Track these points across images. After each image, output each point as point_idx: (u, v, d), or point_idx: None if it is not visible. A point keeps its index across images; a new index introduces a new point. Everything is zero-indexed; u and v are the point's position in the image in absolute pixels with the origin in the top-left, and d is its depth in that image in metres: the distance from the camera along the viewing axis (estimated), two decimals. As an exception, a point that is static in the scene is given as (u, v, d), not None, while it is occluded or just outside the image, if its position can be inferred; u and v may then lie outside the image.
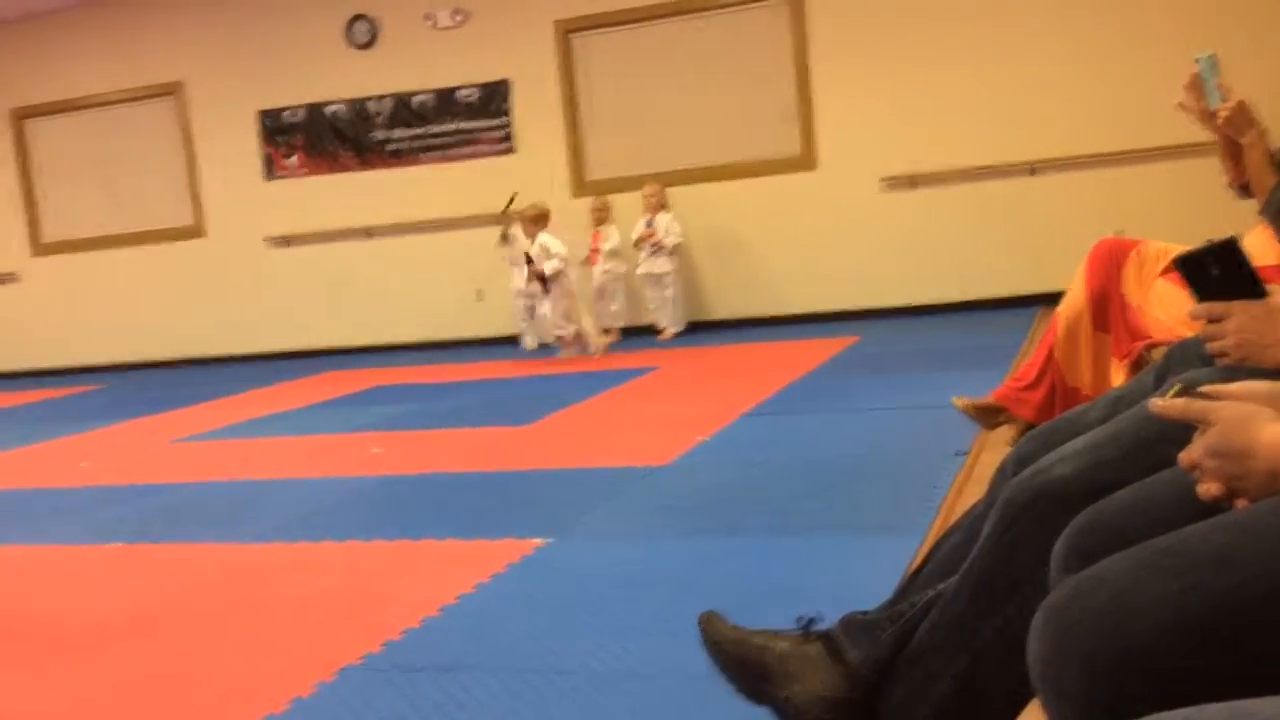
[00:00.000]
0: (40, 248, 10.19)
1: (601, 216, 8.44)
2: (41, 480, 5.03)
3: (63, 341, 10.16)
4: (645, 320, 8.50)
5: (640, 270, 8.39)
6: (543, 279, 7.41)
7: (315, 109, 9.29)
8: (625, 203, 8.46)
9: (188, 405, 7.14)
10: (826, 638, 1.71)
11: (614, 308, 8.45)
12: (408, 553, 3.27)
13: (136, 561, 3.49)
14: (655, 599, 2.66)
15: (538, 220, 7.56)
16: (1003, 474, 1.72)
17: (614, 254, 8.40)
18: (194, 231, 9.73)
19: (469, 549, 3.22)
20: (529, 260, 7.47)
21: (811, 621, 1.76)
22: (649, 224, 8.28)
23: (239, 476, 4.67)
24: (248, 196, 9.54)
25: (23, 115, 10.04)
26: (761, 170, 8.42)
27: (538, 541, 3.19)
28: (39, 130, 10.08)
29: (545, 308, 7.52)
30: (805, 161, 8.35)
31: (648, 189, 8.29)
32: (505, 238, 8.33)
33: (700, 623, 1.80)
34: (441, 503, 3.88)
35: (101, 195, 9.99)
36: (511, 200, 7.90)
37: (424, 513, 3.75)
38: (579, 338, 7.52)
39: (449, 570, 3.04)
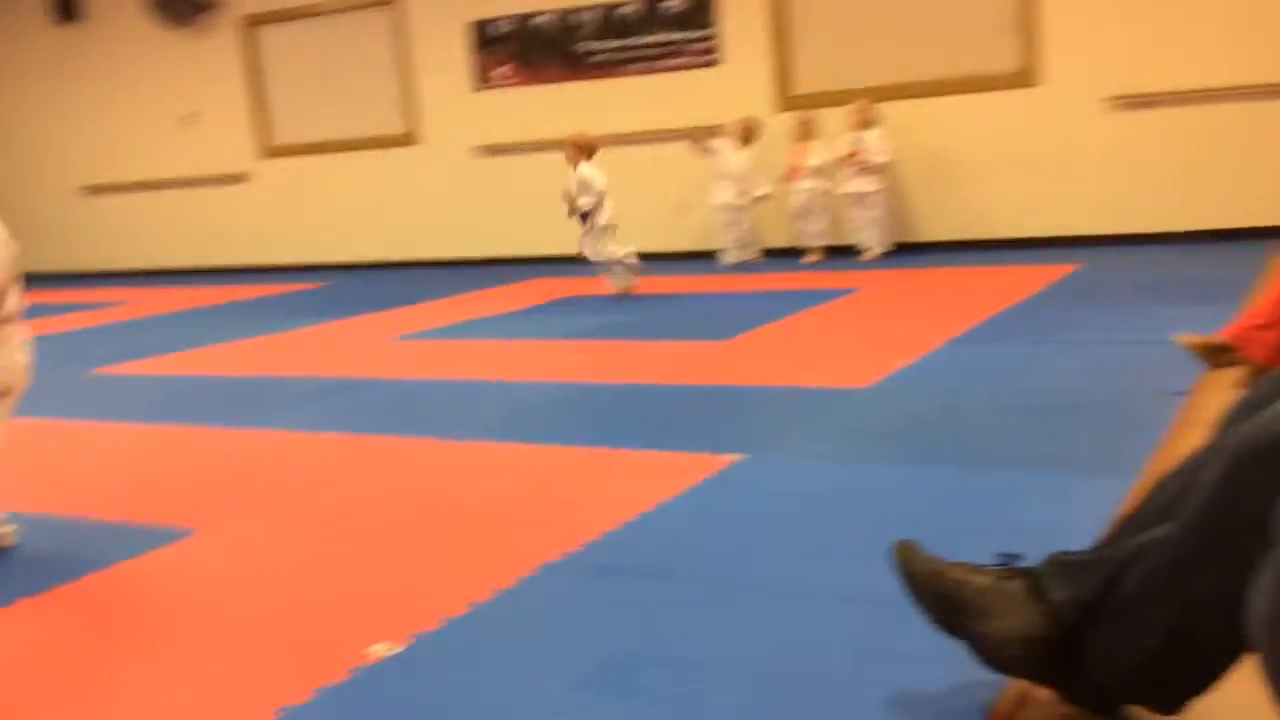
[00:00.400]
0: (268, 150, 10.75)
1: (806, 131, 8.29)
2: (269, 369, 5.38)
3: (285, 240, 10.75)
4: (848, 240, 8.35)
5: (844, 189, 8.23)
6: (583, 215, 7.25)
7: (524, 20, 9.41)
8: (831, 118, 8.28)
9: (404, 305, 7.47)
10: (1029, 575, 1.68)
11: (816, 227, 8.33)
12: (605, 460, 3.36)
13: (354, 451, 3.72)
14: (850, 522, 2.67)
15: (581, 149, 7.36)
16: (1230, 419, 1.64)
17: (818, 171, 8.26)
18: (408, 139, 10.07)
19: (665, 460, 3.29)
20: (571, 202, 7.29)
21: (1013, 558, 1.73)
22: (857, 140, 8.09)
23: (451, 376, 4.88)
24: (458, 106, 9.79)
25: (253, 22, 10.54)
26: (978, 86, 8.06)
27: (733, 457, 3.23)
28: (268, 37, 10.57)
29: (586, 244, 7.28)
30: (1026, 77, 7.95)
31: (856, 104, 8.09)
32: (703, 151, 8.31)
33: (895, 550, 1.80)
34: (639, 413, 3.96)
35: (324, 101, 10.44)
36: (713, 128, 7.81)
37: (622, 422, 3.85)
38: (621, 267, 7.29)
39: (645, 479, 3.12)
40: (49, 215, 11.72)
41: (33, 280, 10.48)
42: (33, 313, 7.03)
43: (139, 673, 2.16)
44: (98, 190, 11.44)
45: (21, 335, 2.85)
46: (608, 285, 7.25)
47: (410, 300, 7.72)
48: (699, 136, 8.34)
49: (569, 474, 3.27)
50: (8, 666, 2.26)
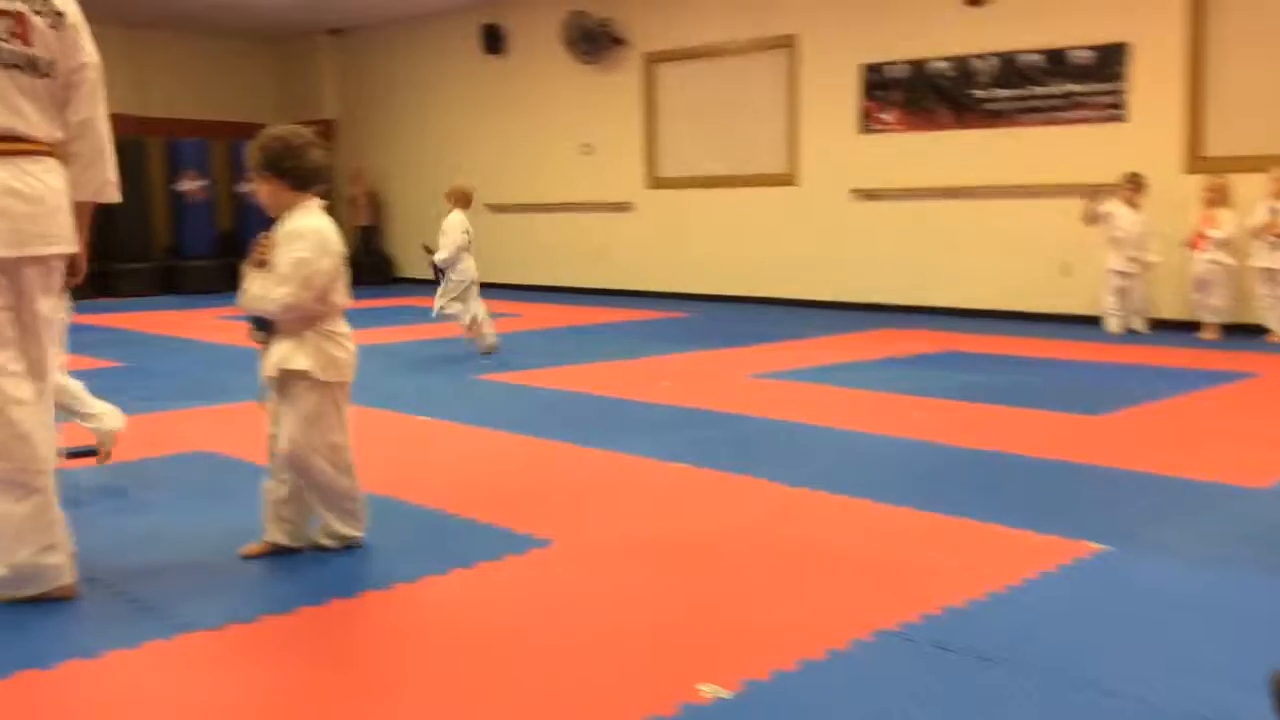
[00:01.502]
0: (654, 181, 11.25)
1: (1215, 198, 7.62)
2: (626, 393, 5.60)
3: (661, 268, 11.19)
4: (1252, 319, 7.59)
5: (1255, 263, 7.48)
6: (437, 269, 6.95)
7: (918, 65, 9.28)
8: (1244, 185, 7.56)
9: (762, 343, 7.56)
10: None
11: (1216, 301, 7.63)
12: (955, 529, 3.22)
13: (700, 483, 3.79)
14: (1221, 637, 2.41)
15: (453, 198, 7.21)
16: None
17: (1224, 243, 7.57)
18: (787, 179, 10.20)
19: (1019, 539, 3.11)
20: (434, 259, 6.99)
21: None
22: (1273, 211, 7.34)
23: (800, 419, 4.87)
24: (840, 148, 9.81)
25: (655, 60, 11.08)
26: None
27: (1096, 546, 3.00)
28: (666, 74, 11.07)
29: None
30: None
31: (1276, 171, 7.34)
32: (1095, 216, 7.86)
33: (1275, 680, 1.60)
34: (995, 484, 3.77)
35: (710, 138, 10.79)
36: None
37: (976, 491, 3.68)
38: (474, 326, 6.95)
39: (996, 557, 2.96)
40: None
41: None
42: (430, 318, 7.72)
43: (475, 673, 2.29)
44: (500, 208, 12.43)
45: (344, 329, 3.05)
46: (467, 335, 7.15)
47: (769, 338, 7.79)
48: (1092, 200, 7.88)
49: (913, 538, 3.16)
50: (376, 645, 2.48)
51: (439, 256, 7.04)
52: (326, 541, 3.07)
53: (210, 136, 13.14)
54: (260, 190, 2.99)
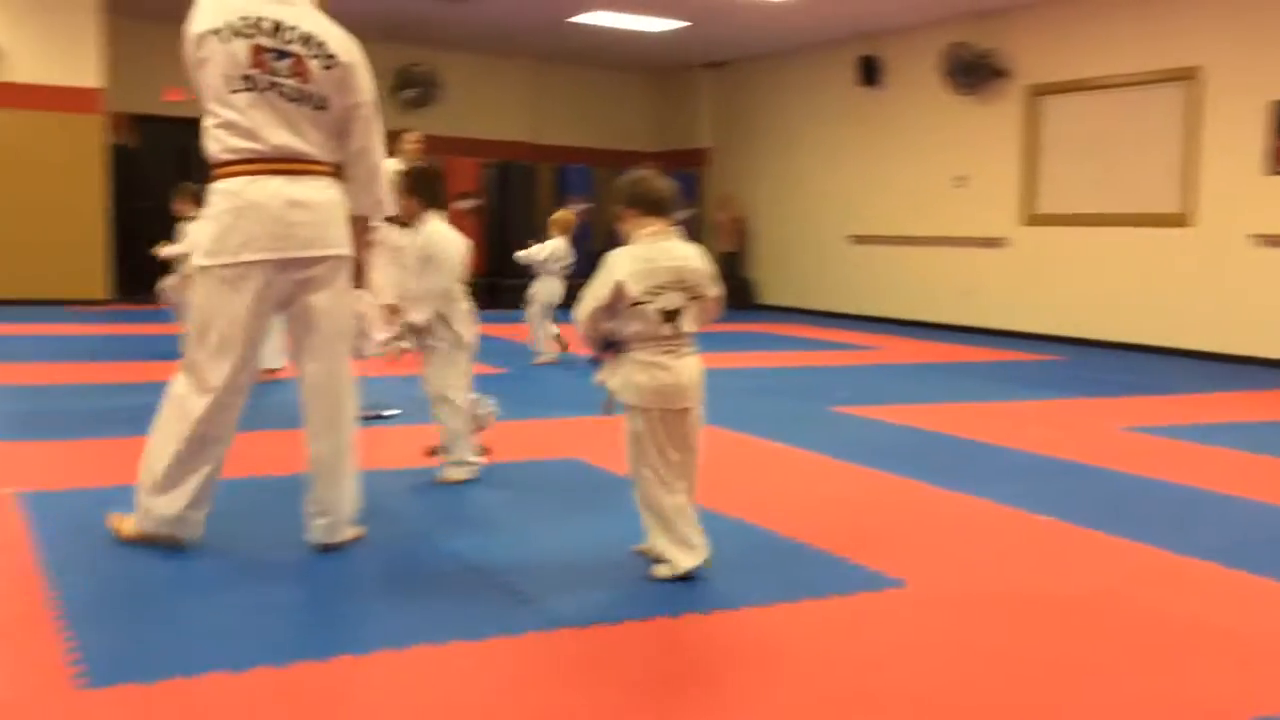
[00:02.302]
0: (1030, 217, 10.80)
1: None
2: (989, 436, 5.41)
3: (1034, 308, 10.72)
4: None
5: None
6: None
7: (1344, 99, 8.37)
8: None
9: (1138, 394, 7.08)
10: None
11: None
12: (1362, 619, 2.89)
13: (1065, 539, 3.61)
14: None
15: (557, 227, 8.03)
16: None
17: None
18: (1179, 219, 9.49)
19: None
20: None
21: None
22: None
23: (1180, 480, 4.53)
24: (1243, 189, 9.00)
25: (1038, 92, 10.65)
26: None
27: None
28: (1050, 107, 10.60)
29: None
30: None
31: None
32: None
33: None
34: None
35: (1094, 174, 10.22)
36: None
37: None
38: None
39: None
40: (819, 258, 12.95)
41: (803, 315, 11.59)
42: (790, 345, 7.78)
43: (829, 701, 2.31)
44: (863, 239, 12.38)
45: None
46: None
47: (1147, 389, 7.29)
48: None
49: (1310, 623, 2.86)
50: (727, 662, 2.56)
51: (522, 254, 7.91)
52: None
53: (595, 164, 14.00)
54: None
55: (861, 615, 2.86)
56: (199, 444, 3.14)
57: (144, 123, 12.15)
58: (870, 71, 12.10)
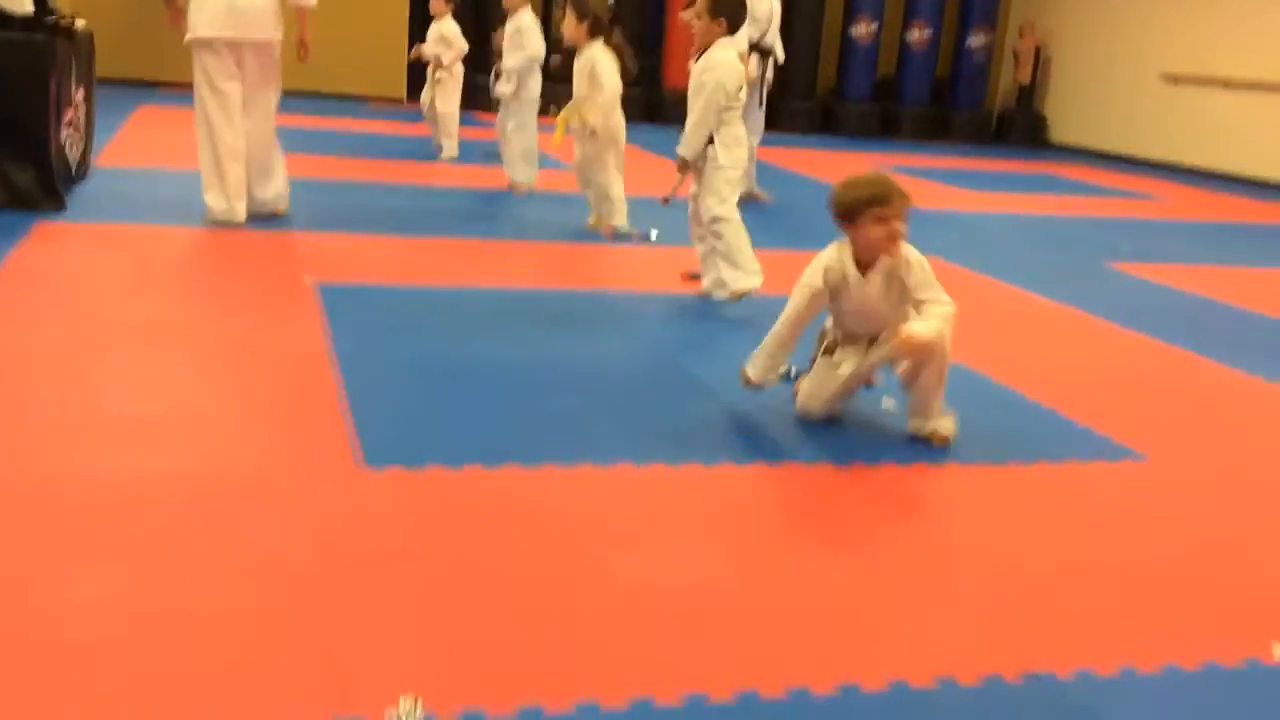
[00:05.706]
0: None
1: None
2: (1273, 309, 5.03)
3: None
4: None
5: None
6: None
7: None
8: None
9: None
10: None
11: None
12: None
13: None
14: None
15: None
16: None
17: None
18: None
19: None
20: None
21: None
22: None
23: None
24: None
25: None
26: None
27: None
28: None
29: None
30: None
31: None
32: None
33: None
34: None
35: None
36: None
37: None
38: None
39: None
40: (1125, 97, 11.95)
41: (1098, 159, 10.84)
42: (1079, 190, 7.32)
43: (1037, 556, 2.33)
44: (1177, 80, 11.33)
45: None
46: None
47: None
48: None
49: None
50: (956, 514, 2.61)
51: (507, 65, 6.24)
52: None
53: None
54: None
55: (1091, 483, 2.82)
56: None
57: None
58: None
